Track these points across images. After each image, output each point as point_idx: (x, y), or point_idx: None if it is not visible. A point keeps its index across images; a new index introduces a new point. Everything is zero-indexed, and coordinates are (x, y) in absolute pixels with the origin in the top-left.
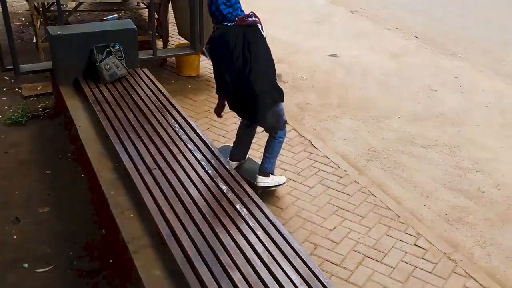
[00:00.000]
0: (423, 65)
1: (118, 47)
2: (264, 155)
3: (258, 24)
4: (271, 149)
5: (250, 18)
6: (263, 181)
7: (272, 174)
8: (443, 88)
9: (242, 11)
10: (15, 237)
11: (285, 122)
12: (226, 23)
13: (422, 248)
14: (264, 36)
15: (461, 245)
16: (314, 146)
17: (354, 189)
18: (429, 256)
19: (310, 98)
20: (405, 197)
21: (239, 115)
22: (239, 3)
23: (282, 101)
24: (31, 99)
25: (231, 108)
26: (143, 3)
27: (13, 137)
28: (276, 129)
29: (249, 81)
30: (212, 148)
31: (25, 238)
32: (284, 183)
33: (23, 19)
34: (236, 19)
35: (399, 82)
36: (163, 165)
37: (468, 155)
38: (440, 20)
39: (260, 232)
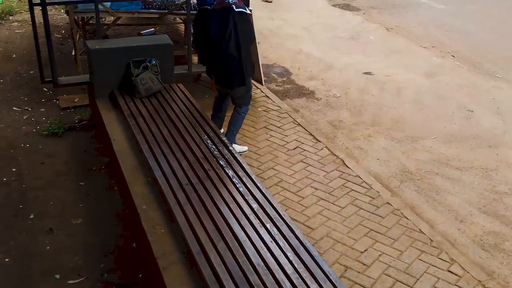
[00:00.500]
0: (459, 84)
1: (154, 62)
2: (228, 128)
3: (233, 6)
4: (234, 123)
5: (226, 1)
6: None
7: (234, 143)
8: (480, 109)
9: None
10: (48, 247)
11: (250, 97)
12: (206, 7)
13: (456, 274)
14: (242, 15)
15: (496, 273)
16: (347, 166)
17: (386, 210)
18: (462, 283)
19: (343, 116)
20: (438, 221)
21: (216, 82)
22: None
23: (253, 75)
24: (68, 110)
25: (208, 74)
26: (179, 18)
27: (49, 148)
28: (243, 102)
29: (225, 56)
30: (244, 165)
31: (57, 249)
32: (246, 150)
33: (63, 31)
34: (215, 2)
35: (434, 102)
36: (195, 181)
37: (505, 179)
38: (477, 38)
39: (290, 254)
